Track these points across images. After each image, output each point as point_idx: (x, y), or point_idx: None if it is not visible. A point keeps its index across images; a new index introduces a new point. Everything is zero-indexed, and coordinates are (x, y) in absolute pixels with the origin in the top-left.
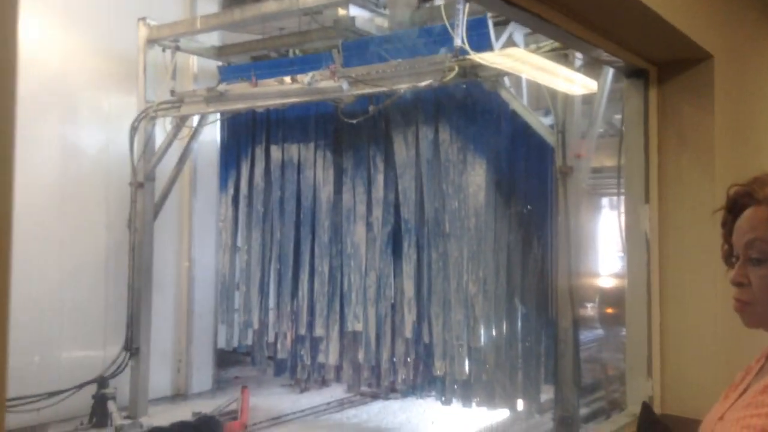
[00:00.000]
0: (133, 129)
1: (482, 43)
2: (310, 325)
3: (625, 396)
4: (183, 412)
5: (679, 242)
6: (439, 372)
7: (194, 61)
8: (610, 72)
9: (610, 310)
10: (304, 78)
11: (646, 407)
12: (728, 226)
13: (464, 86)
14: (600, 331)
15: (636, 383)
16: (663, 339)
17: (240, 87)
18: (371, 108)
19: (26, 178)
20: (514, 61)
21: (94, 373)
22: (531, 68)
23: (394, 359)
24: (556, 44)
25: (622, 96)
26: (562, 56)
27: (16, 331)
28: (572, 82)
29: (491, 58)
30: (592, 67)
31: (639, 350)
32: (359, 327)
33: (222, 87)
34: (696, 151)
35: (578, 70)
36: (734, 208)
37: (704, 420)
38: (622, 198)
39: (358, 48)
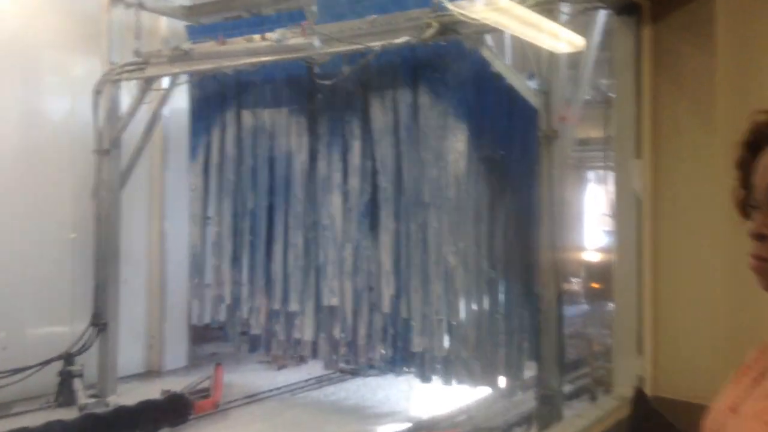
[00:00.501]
0: (97, 93)
1: None
2: (285, 300)
3: (612, 375)
4: (153, 390)
5: (675, 201)
6: (418, 348)
7: (163, 23)
8: (597, 29)
9: (595, 285)
10: (274, 35)
11: (640, 395)
12: (746, 166)
13: (444, 45)
14: (585, 307)
15: (624, 362)
16: (656, 311)
17: (206, 46)
18: (345, 69)
19: None
20: (498, 13)
21: (60, 349)
22: (516, 22)
23: (372, 335)
24: None
25: (612, 37)
26: (547, 11)
27: None
28: (558, 38)
29: (473, 9)
30: (578, 23)
31: (628, 324)
32: (335, 301)
33: (187, 45)
34: (695, 99)
35: (564, 25)
36: (757, 142)
37: (712, 408)
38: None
39: (333, 5)
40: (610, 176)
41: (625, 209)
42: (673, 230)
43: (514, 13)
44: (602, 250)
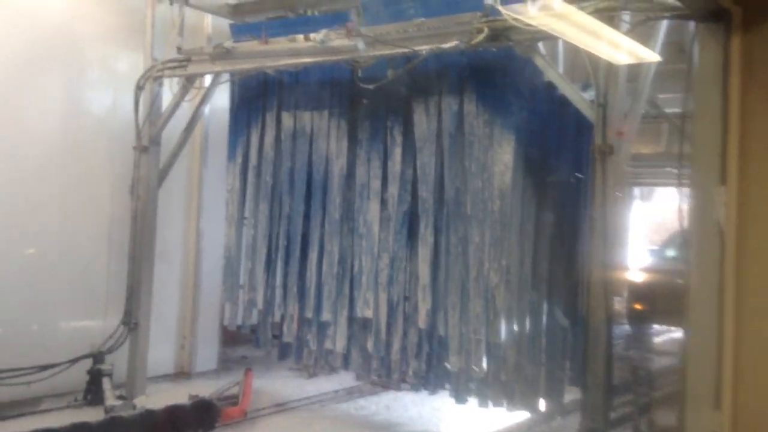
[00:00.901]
0: (138, 89)
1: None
2: (318, 309)
3: (682, 426)
4: (182, 394)
5: (765, 236)
6: (453, 368)
7: (209, 21)
8: (659, 40)
9: (638, 306)
10: (317, 36)
11: None
12: None
13: (494, 51)
14: (627, 328)
15: (698, 415)
16: (738, 359)
17: (249, 45)
18: (390, 72)
19: (24, 136)
20: (556, 19)
21: (93, 344)
22: (574, 30)
23: (406, 350)
24: (603, 3)
25: (692, 46)
26: (607, 18)
27: (11, 299)
28: (618, 48)
29: (528, 15)
30: (638, 33)
31: (704, 371)
32: (369, 313)
33: (229, 44)
34: None
35: (626, 35)
36: None
37: None
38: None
39: (381, 7)
40: (659, 193)
41: (704, 241)
42: (762, 269)
43: (573, 19)
44: (646, 269)
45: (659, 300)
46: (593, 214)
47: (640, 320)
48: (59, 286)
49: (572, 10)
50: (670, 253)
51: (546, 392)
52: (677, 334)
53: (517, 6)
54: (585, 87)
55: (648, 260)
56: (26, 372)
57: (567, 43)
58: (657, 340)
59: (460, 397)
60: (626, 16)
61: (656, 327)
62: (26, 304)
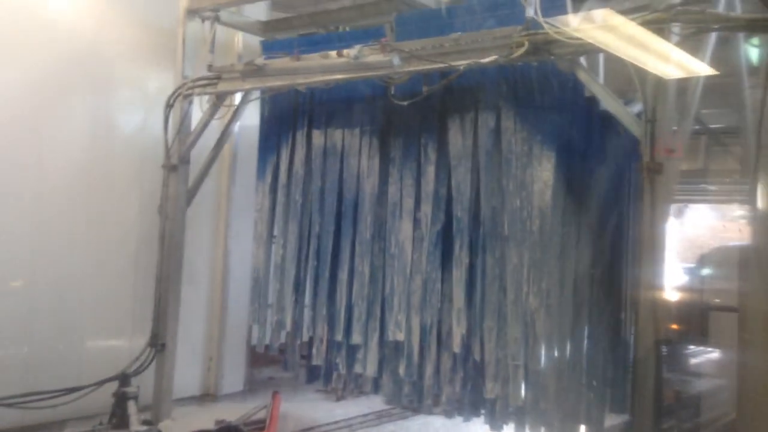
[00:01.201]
0: (168, 107)
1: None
2: (348, 331)
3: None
4: (208, 417)
5: None
6: (490, 395)
7: (239, 38)
8: (707, 53)
9: (674, 326)
10: (351, 52)
11: None
12: None
13: (532, 65)
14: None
15: None
16: None
17: (281, 61)
18: (425, 89)
19: (54, 155)
20: (603, 31)
21: (119, 365)
22: (622, 42)
23: (439, 375)
24: (652, 15)
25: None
26: (656, 31)
27: (38, 319)
28: (668, 61)
29: (576, 28)
30: (684, 46)
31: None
32: (401, 337)
33: (260, 60)
34: None
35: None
36: None
37: None
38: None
39: (414, 22)
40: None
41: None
42: None
43: (622, 31)
44: (682, 288)
45: (695, 320)
46: (642, 235)
47: (676, 340)
48: (86, 307)
49: (622, 22)
50: (706, 271)
51: (586, 419)
52: (713, 354)
53: (561, 18)
54: (626, 102)
55: (683, 278)
56: (52, 395)
57: (606, 57)
58: (694, 361)
59: (495, 424)
60: (675, 29)
61: (693, 348)
62: (53, 326)
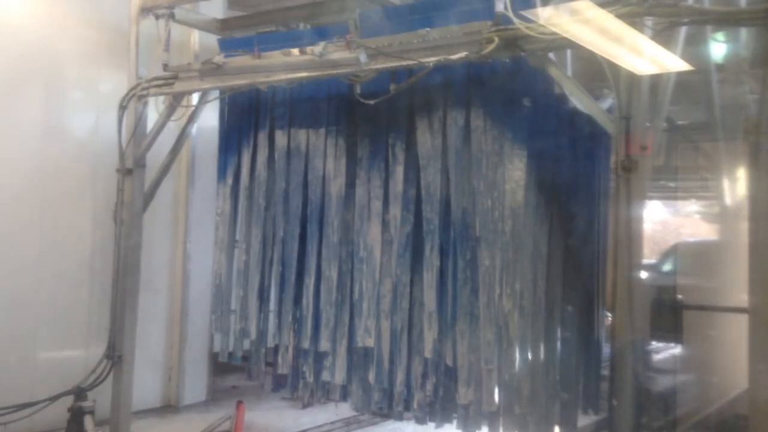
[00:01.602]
0: (122, 108)
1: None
2: (315, 338)
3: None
4: (169, 430)
5: None
6: (463, 400)
7: (196, 37)
8: (678, 48)
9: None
10: (315, 48)
11: None
12: None
13: (502, 62)
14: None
15: None
16: None
17: (240, 60)
18: (392, 87)
19: (2, 160)
20: (576, 25)
21: (75, 378)
22: (596, 36)
23: (410, 381)
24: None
25: None
26: (630, 23)
27: None
28: (642, 55)
29: (545, 18)
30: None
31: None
32: (371, 342)
33: (219, 59)
34: None
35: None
36: None
37: None
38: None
39: (379, 18)
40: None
41: None
42: None
43: (597, 25)
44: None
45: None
46: (616, 233)
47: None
48: (39, 317)
49: (595, 15)
50: (667, 267)
51: (560, 420)
52: (676, 350)
53: (532, 11)
54: (596, 98)
55: (645, 275)
56: (2, 411)
57: (574, 55)
58: (657, 357)
59: (468, 429)
60: (649, 22)
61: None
62: (3, 337)
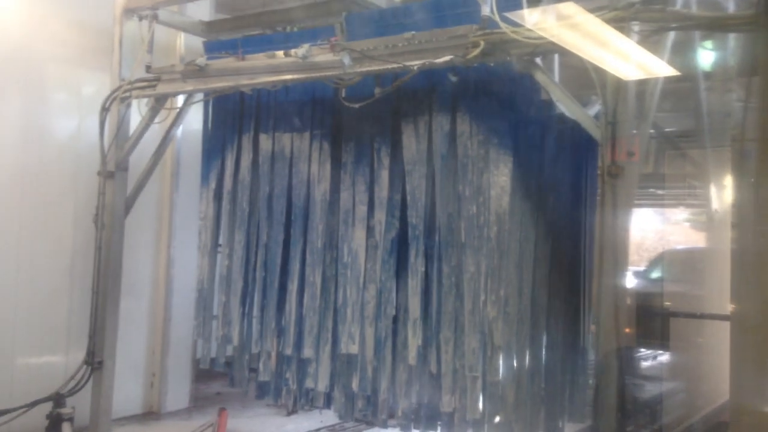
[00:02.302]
0: (104, 110)
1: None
2: (298, 345)
3: None
4: None
5: None
6: (447, 408)
7: (181, 40)
8: (666, 54)
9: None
10: (299, 51)
11: None
12: None
13: (488, 67)
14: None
15: None
16: None
17: (224, 62)
18: (377, 90)
19: None
20: (562, 29)
21: (54, 384)
22: (582, 41)
23: (394, 388)
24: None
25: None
26: (617, 28)
27: None
28: (628, 60)
29: (532, 21)
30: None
31: None
32: (354, 349)
33: (201, 60)
34: None
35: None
36: None
37: None
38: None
39: (366, 21)
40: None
41: None
42: None
43: (583, 29)
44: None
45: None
46: (601, 240)
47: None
48: (18, 322)
49: (581, 19)
50: (655, 274)
51: (545, 428)
52: (664, 357)
53: (518, 14)
54: (583, 104)
55: (633, 282)
56: None
57: (561, 62)
58: (645, 364)
59: None
60: (635, 27)
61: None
62: None
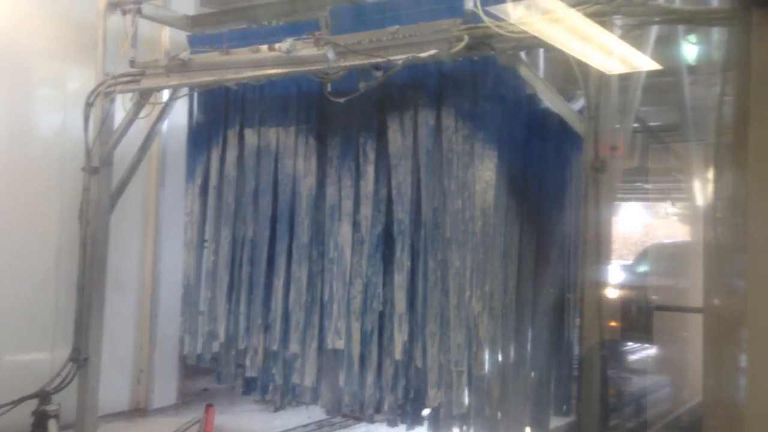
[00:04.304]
0: (88, 105)
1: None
2: (284, 340)
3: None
4: None
5: None
6: (433, 403)
7: (166, 34)
8: (648, 48)
9: (613, 324)
10: (283, 45)
11: None
12: None
13: (474, 61)
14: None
15: None
16: None
17: (208, 56)
18: (362, 85)
19: None
20: (545, 23)
21: (39, 381)
22: (564, 35)
23: (381, 383)
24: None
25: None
26: (599, 22)
27: None
28: (611, 54)
29: (515, 15)
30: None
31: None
32: (341, 344)
33: (185, 55)
34: None
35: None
36: None
37: None
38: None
39: (350, 15)
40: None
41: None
42: None
43: (566, 24)
44: (620, 286)
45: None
46: (585, 234)
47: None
48: (2, 320)
49: (564, 13)
50: (642, 268)
51: (531, 422)
52: (651, 351)
53: (502, 8)
54: (567, 99)
55: (621, 276)
56: None
57: (546, 56)
58: (632, 358)
59: (439, 431)
60: (618, 21)
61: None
62: None
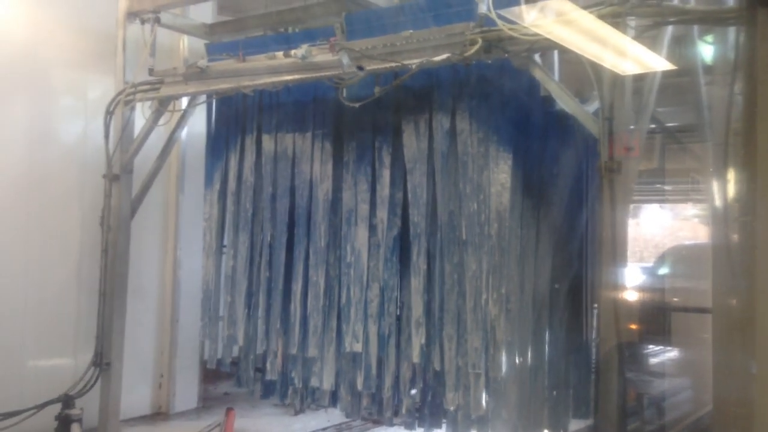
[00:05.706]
0: (109, 113)
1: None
2: (303, 344)
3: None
4: None
5: None
6: (451, 405)
7: (185, 42)
8: (663, 49)
9: (633, 326)
10: (298, 52)
11: None
12: None
13: (488, 64)
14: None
15: None
16: None
17: (225, 63)
18: (377, 89)
19: None
20: (559, 25)
21: (63, 386)
22: (579, 36)
23: (399, 386)
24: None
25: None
26: (613, 24)
27: None
28: (625, 56)
29: (528, 17)
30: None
31: None
32: (359, 348)
33: (203, 63)
34: None
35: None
36: None
37: None
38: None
39: (365, 21)
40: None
41: None
42: None
43: (579, 25)
44: (639, 288)
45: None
46: (601, 236)
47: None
48: (27, 325)
49: (577, 15)
50: (663, 271)
51: (550, 425)
52: (672, 353)
53: (515, 10)
54: (582, 101)
55: (641, 279)
56: None
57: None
58: (653, 360)
59: None
60: (632, 22)
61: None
62: None
